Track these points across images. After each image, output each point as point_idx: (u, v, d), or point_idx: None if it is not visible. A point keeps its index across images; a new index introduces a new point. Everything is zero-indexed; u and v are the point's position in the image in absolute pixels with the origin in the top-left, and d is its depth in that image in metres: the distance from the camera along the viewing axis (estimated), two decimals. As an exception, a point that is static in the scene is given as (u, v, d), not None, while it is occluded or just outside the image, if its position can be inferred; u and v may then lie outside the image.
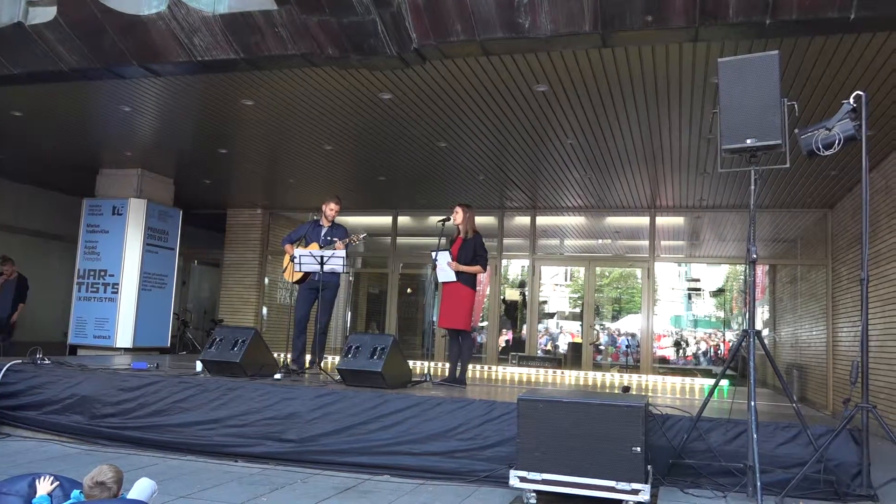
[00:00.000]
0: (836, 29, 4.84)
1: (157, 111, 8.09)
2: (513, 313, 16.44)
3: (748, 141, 4.42)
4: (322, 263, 6.73)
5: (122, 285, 11.09)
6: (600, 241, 14.29)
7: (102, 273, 11.22)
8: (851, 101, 4.41)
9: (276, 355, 7.16)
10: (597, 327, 16.26)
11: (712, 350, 18.89)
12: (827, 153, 4.44)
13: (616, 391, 7.45)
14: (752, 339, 4.50)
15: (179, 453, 5.65)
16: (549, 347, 17.82)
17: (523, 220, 12.90)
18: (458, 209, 6.75)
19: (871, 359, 8.43)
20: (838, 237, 10.69)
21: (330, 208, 7.31)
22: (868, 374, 4.42)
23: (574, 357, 14.07)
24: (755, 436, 4.23)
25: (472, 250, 6.63)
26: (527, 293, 13.17)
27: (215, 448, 5.62)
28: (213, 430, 5.70)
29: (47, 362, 6.83)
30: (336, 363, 6.41)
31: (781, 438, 4.76)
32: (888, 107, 6.63)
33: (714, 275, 21.73)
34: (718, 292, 21.44)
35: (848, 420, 4.47)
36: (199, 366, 6.64)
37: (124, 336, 11.03)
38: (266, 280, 13.98)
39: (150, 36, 6.01)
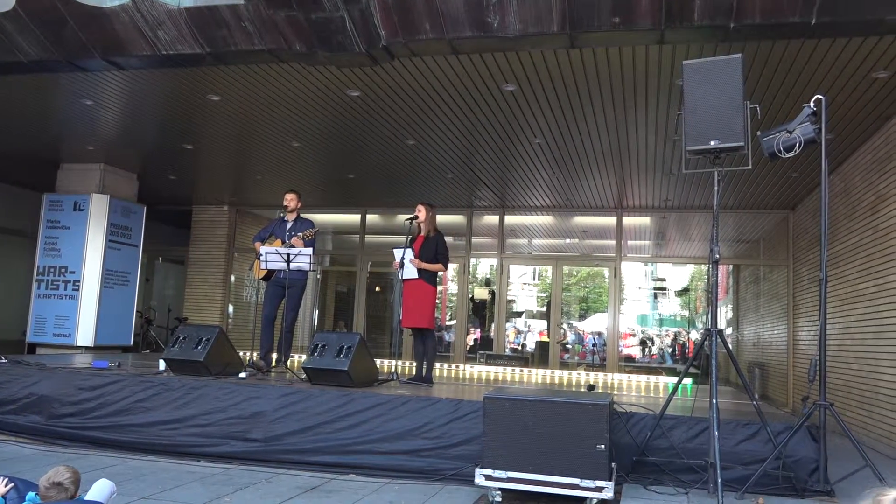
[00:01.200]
0: (798, 34, 4.94)
1: (121, 105, 7.94)
2: (481, 312, 16.47)
3: (712, 143, 4.48)
4: (288, 261, 6.68)
5: (84, 282, 10.87)
6: (568, 240, 14.41)
7: (63, 270, 10.99)
8: (812, 104, 4.51)
9: (241, 354, 7.08)
10: (564, 326, 16.37)
11: (677, 349, 19.15)
12: (788, 155, 4.53)
13: (582, 389, 7.51)
14: (714, 338, 4.57)
15: (141, 454, 5.56)
16: (517, 346, 17.91)
17: (492, 219, 12.94)
18: (422, 207, 6.76)
19: (830, 357, 8.63)
20: (799, 238, 10.92)
21: (286, 199, 7.25)
22: (826, 372, 4.52)
23: (541, 356, 14.16)
24: (716, 433, 4.30)
25: (433, 248, 6.66)
26: (495, 292, 13.22)
27: (178, 448, 5.54)
28: (175, 429, 5.62)
29: (4, 361, 6.68)
30: (302, 362, 6.36)
31: (742, 435, 4.84)
32: (847, 111, 6.79)
33: (679, 274, 22.04)
34: (683, 292, 21.74)
35: (806, 417, 4.57)
36: (161, 364, 6.55)
37: (85, 334, 10.82)
38: (232, 278, 13.82)
39: (113, 28, 5.90)
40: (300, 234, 7.03)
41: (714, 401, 4.36)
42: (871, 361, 7.41)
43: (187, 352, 6.28)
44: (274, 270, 7.02)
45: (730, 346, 4.74)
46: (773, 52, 5.65)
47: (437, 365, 10.28)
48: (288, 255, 6.67)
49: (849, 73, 5.94)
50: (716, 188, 4.60)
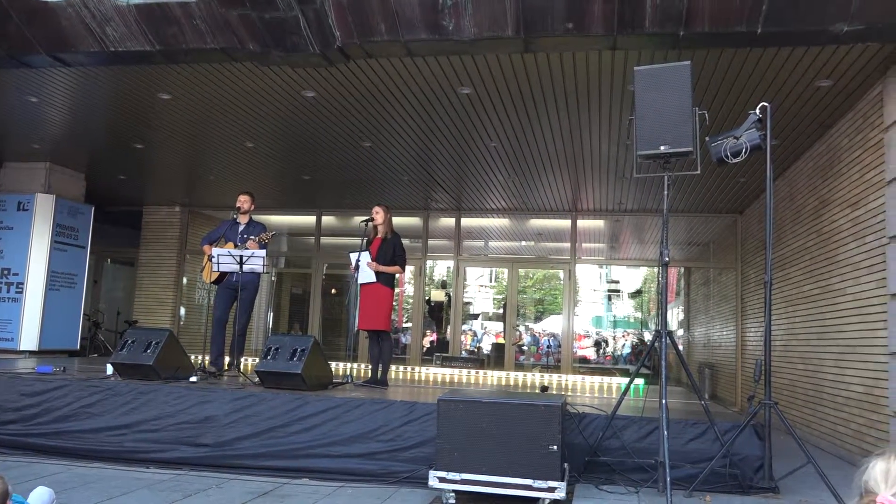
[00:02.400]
0: (745, 42, 5.07)
1: (68, 103, 7.73)
2: (437, 314, 16.50)
3: (662, 147, 4.57)
4: (241, 263, 6.59)
5: (28, 285, 10.55)
6: (524, 242, 14.52)
7: (6, 272, 10.64)
8: (758, 111, 4.63)
9: (192, 357, 6.96)
10: (520, 328, 16.50)
11: (631, 350, 19.46)
12: (735, 161, 4.65)
13: (536, 391, 7.57)
14: (664, 339, 4.65)
15: (87, 461, 5.42)
16: (473, 348, 17.97)
17: (448, 222, 12.97)
18: (379, 209, 6.75)
19: (775, 357, 8.86)
20: (747, 241, 11.20)
21: (239, 200, 7.16)
22: (771, 372, 4.65)
23: (497, 357, 14.23)
24: (666, 433, 4.37)
25: (391, 251, 6.64)
26: (451, 294, 13.25)
27: (126, 454, 5.42)
28: (123, 435, 5.50)
29: (-59, 366, 6.43)
30: (255, 365, 6.28)
31: (691, 435, 4.94)
32: (792, 118, 6.99)
33: (633, 277, 22.41)
34: (637, 294, 22.13)
35: (752, 417, 4.68)
36: (109, 369, 6.40)
37: (29, 338, 10.49)
38: (184, 280, 13.57)
39: (58, 24, 5.74)
40: (256, 237, 6.95)
41: (664, 401, 4.44)
42: (814, 361, 7.64)
43: (136, 355, 6.15)
44: (226, 273, 6.91)
45: (680, 348, 4.83)
46: (721, 59, 5.79)
47: (393, 367, 10.25)
48: (241, 256, 6.58)
49: (793, 81, 6.13)
50: (666, 192, 4.69)
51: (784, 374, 8.67)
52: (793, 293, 8.48)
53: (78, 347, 11.26)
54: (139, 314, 13.33)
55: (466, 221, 12.94)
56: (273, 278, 15.40)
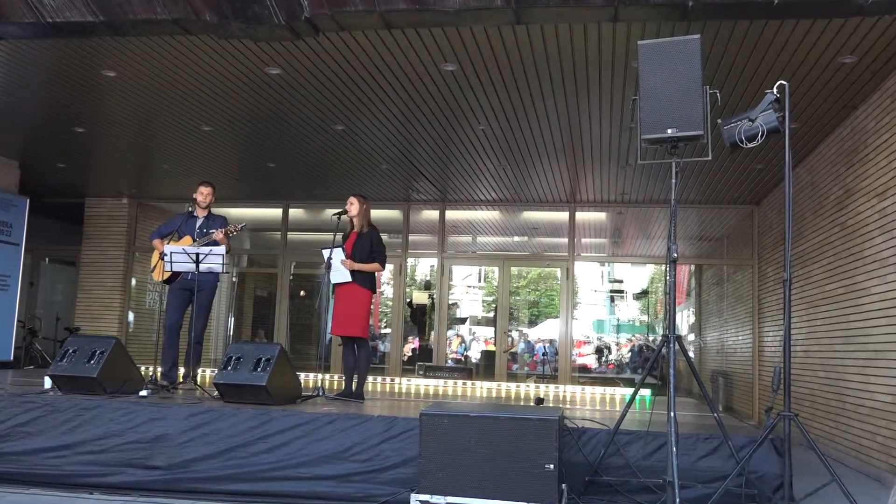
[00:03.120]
0: (760, 14, 5.11)
1: (-2, 80, 7.66)
2: (420, 318, 16.51)
3: (669, 131, 4.60)
4: (198, 261, 6.56)
5: (-46, 287, 10.43)
6: (516, 238, 14.55)
7: (-71, 273, 10.52)
8: (775, 91, 4.67)
9: (142, 369, 6.93)
10: (512, 333, 16.54)
11: (636, 357, 19.55)
12: (750, 145, 4.68)
13: (530, 403, 7.60)
14: (672, 345, 4.68)
15: (22, 486, 5.38)
16: (460, 356, 17.98)
17: (432, 215, 12.97)
18: (354, 200, 6.73)
19: (795, 365, 8.96)
20: (764, 235, 11.30)
21: (200, 193, 7.13)
22: (790, 380, 4.69)
23: (487, 366, 14.26)
24: (674, 449, 4.40)
25: (368, 246, 6.63)
26: (435, 296, 13.26)
27: (67, 479, 5.39)
28: (64, 457, 5.47)
29: None
30: (213, 377, 6.26)
31: (702, 451, 4.99)
32: (813, 98, 7.05)
33: (638, 275, 22.53)
34: (643, 294, 22.25)
35: (770, 430, 4.72)
36: (47, 382, 6.36)
37: (-44, 348, 10.38)
38: (133, 281, 13.49)
39: (-13, -9, 5.68)
40: (224, 228, 6.92)
41: (672, 413, 4.47)
42: (838, 368, 7.72)
43: (78, 367, 6.11)
44: (180, 272, 6.88)
45: (690, 354, 4.87)
46: (734, 33, 5.83)
47: (370, 378, 10.24)
48: (197, 254, 6.55)
49: (814, 57, 6.18)
50: (674, 180, 4.72)
51: (805, 382, 8.76)
52: (814, 293, 8.57)
53: (11, 358, 11.16)
54: (81, 320, 13.23)
55: (452, 214, 12.94)
56: (234, 279, 15.33)
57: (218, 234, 6.89)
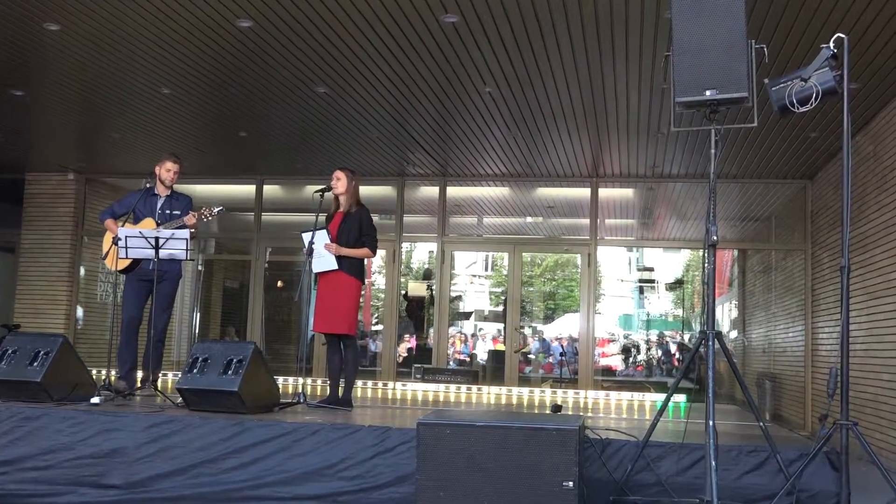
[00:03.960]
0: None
1: (-78, 36, 7.65)
2: (417, 313, 16.53)
3: (707, 93, 4.58)
4: (158, 247, 6.56)
5: None
6: (529, 219, 14.54)
7: None
8: (831, 45, 4.65)
9: (94, 372, 6.94)
10: (525, 331, 16.57)
11: (668, 357, 19.58)
12: (803, 109, 4.67)
13: (546, 411, 7.62)
14: (711, 343, 4.68)
15: (-44, 508, 5.42)
16: (464, 357, 18.02)
17: (430, 192, 12.97)
18: (340, 174, 6.73)
19: (854, 366, 8.96)
20: (819, 215, 11.28)
21: (166, 169, 7.11)
22: (849, 384, 4.70)
23: (495, 369, 14.30)
24: (714, 463, 4.41)
25: (356, 228, 6.63)
26: (435, 287, 13.27)
27: (6, 501, 5.40)
28: (3, 475, 5.48)
29: None
30: (177, 381, 6.28)
31: (747, 466, 5.00)
32: (877, 54, 7.03)
33: (672, 263, 22.51)
34: (677, 285, 22.24)
35: (824, 441, 4.73)
36: (-17, 388, 6.36)
37: None
38: (82, 270, 13.51)
39: None
40: (196, 211, 6.92)
41: (711, 423, 4.48)
42: (905, 370, 7.73)
43: (19, 370, 6.11)
44: (139, 260, 6.89)
45: (732, 354, 4.87)
46: (785, -23, 5.81)
47: (359, 383, 10.25)
48: (157, 238, 6.54)
49: (878, 4, 6.15)
50: (713, 151, 4.71)
51: (865, 386, 8.77)
52: (877, 282, 8.57)
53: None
54: (22, 316, 13.26)
55: (454, 191, 12.94)
56: (200, 267, 15.33)
57: (190, 219, 6.86)
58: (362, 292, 6.81)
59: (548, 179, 12.35)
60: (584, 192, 12.41)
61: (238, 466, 5.29)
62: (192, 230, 6.91)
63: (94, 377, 6.92)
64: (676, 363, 18.35)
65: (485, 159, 11.38)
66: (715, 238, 4.66)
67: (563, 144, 10.39)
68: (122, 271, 7.07)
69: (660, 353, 20.03)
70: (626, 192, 12.77)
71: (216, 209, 7.05)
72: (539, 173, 12.05)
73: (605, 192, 12.44)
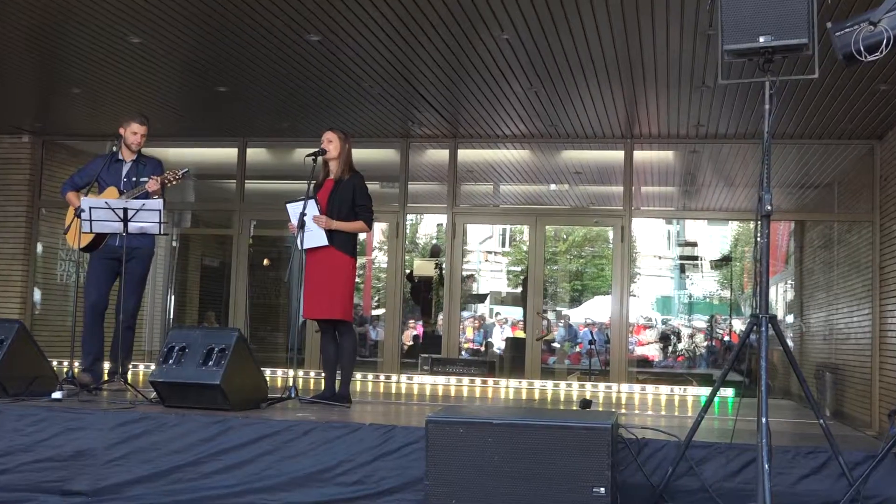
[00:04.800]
0: None
1: None
2: (424, 296, 16.56)
3: (761, 39, 4.55)
4: (126, 219, 6.58)
5: None
6: (553, 186, 14.51)
7: None
8: (906, -17, 4.61)
9: (54, 363, 6.97)
10: (548, 316, 16.60)
11: (714, 346, 19.59)
12: (871, 58, 4.64)
13: (573, 408, 7.65)
14: (764, 330, 4.68)
15: None
16: (478, 346, 18.08)
17: (439, 156, 12.96)
18: (332, 136, 6.72)
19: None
20: (890, 181, 11.23)
21: (132, 132, 7.11)
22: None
23: (515, 359, 14.32)
24: (767, 467, 4.42)
25: (349, 198, 6.64)
26: (444, 265, 13.28)
27: (-42, 509, 5.47)
28: (-46, 480, 5.54)
29: None
30: (150, 374, 6.31)
31: (804, 469, 5.00)
32: (959, -7, 6.97)
33: (718, 236, 22.51)
34: (723, 262, 22.22)
35: (894, 441, 4.74)
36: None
37: None
38: (39, 247, 13.56)
39: None
40: (159, 176, 6.92)
41: (764, 420, 4.48)
42: None
43: (-31, 362, 6.16)
44: (104, 236, 6.91)
45: (788, 341, 4.87)
46: None
47: (359, 375, 10.29)
48: (125, 210, 6.56)
49: (961, -64, 6.09)
50: (767, 106, 4.68)
51: (943, 379, 8.76)
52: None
53: None
54: (-28, 300, 13.33)
55: (466, 155, 12.91)
56: (174, 242, 15.37)
57: (152, 184, 6.86)
58: (359, 272, 6.81)
59: (575, 141, 12.31)
60: (616, 156, 12.38)
61: (220, 470, 5.30)
62: (160, 199, 6.90)
63: (55, 369, 6.96)
64: (723, 352, 18.36)
65: (502, 117, 11.35)
66: (768, 208, 4.65)
67: (593, 99, 10.35)
68: (86, 249, 7.08)
69: (704, 340, 20.06)
70: (666, 156, 12.73)
71: (181, 172, 7.05)
72: (564, 133, 12.01)
73: (640, 155, 12.41)
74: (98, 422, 5.55)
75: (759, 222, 4.70)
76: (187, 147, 13.22)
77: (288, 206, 6.70)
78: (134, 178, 7.06)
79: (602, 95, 10.16)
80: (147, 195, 6.84)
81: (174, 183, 7.01)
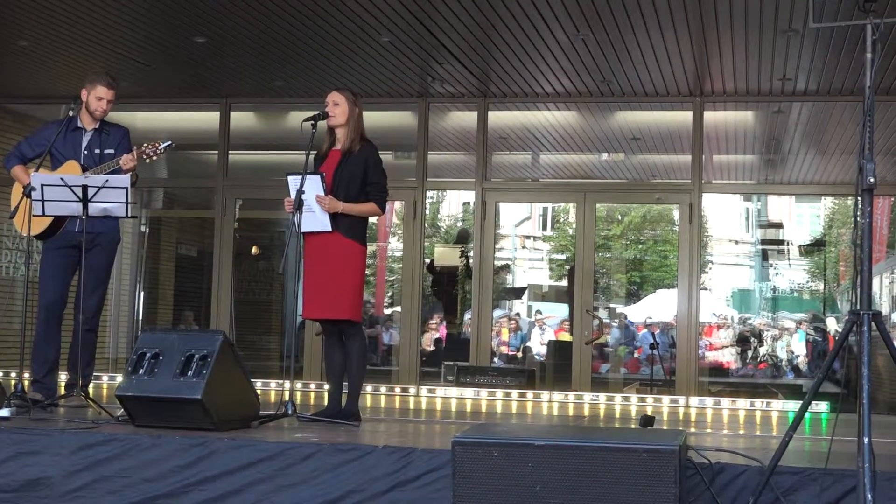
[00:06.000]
0: None
1: None
2: (448, 291, 16.59)
3: (862, -29, 4.54)
4: (86, 199, 6.61)
5: None
6: (605, 156, 14.50)
7: None
8: None
9: (1, 375, 7.03)
10: (600, 314, 16.58)
11: (805, 350, 19.53)
12: None
13: (632, 426, 7.65)
14: (866, 330, 4.67)
15: None
16: (513, 351, 18.09)
17: (465, 119, 12.98)
18: (339, 98, 6.71)
19: None
20: None
21: (97, 97, 7.13)
22: None
23: (559, 367, 14.34)
24: (870, 497, 4.43)
25: (360, 173, 6.65)
26: (472, 253, 13.30)
27: None
28: None
29: None
30: (117, 386, 6.36)
31: (915, 500, 5.01)
32: None
33: (808, 216, 22.40)
34: (815, 247, 22.13)
35: None
36: None
37: None
38: (-19, 234, 13.67)
39: None
40: (136, 149, 6.95)
41: (866, 441, 4.48)
42: None
43: None
44: (63, 219, 6.94)
45: (895, 343, 4.86)
46: None
47: (369, 388, 10.33)
48: (84, 188, 6.59)
49: None
50: (868, 56, 4.67)
51: None
52: None
53: None
54: None
55: (499, 118, 12.93)
56: (143, 227, 15.44)
57: (128, 160, 6.87)
58: (369, 261, 6.83)
59: (632, 100, 12.29)
60: (683, 118, 12.36)
61: (202, 503, 5.36)
62: (132, 175, 6.94)
63: (1, 382, 7.01)
64: (816, 358, 18.30)
65: (542, 71, 11.34)
66: (871, 180, 4.63)
67: (654, 48, 10.32)
68: (39, 236, 7.11)
69: (792, 343, 20.00)
70: (743, 117, 12.70)
71: (163, 144, 7.06)
72: (619, 91, 11.99)
73: (712, 117, 12.38)
74: (54, 445, 5.58)
75: (860, 198, 4.69)
76: (159, 111, 13.27)
77: (289, 178, 6.62)
78: (98, 150, 7.07)
79: (665, 43, 10.12)
80: (119, 170, 6.87)
81: (153, 158, 7.03)
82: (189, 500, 5.38)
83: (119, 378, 6.55)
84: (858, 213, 4.73)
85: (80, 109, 7.20)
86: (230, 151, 13.40)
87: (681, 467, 4.49)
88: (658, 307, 18.16)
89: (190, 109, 13.42)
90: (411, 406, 10.44)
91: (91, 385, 7.32)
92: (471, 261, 13.47)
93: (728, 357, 19.24)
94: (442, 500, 5.00)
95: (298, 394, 7.72)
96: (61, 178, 6.67)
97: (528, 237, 22.11)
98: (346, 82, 10.41)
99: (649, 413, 9.01)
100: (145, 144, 7.02)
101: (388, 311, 16.33)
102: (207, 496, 5.36)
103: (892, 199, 16.09)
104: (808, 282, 22.84)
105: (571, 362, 13.13)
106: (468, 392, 11.94)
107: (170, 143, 7.15)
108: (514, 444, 4.57)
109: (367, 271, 6.85)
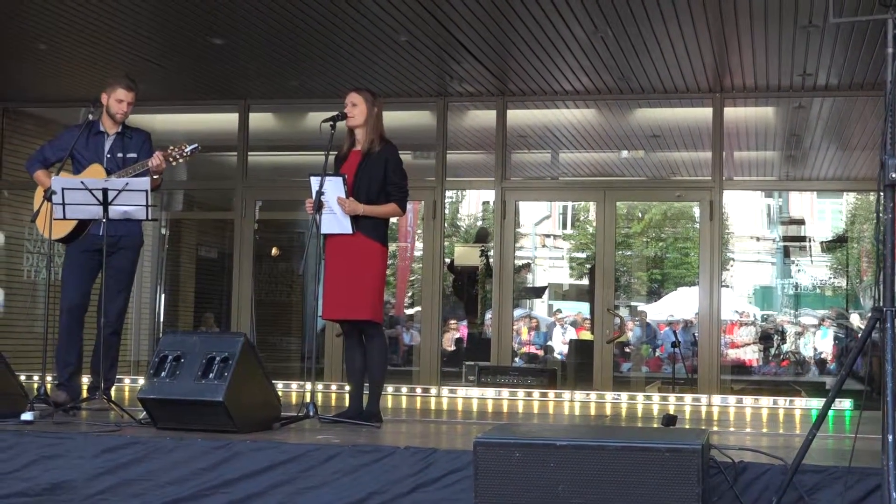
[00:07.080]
0: None
1: None
2: (468, 290, 16.58)
3: (883, -34, 4.52)
4: (106, 202, 6.62)
5: None
6: (625, 153, 14.46)
7: None
8: None
9: (23, 378, 7.04)
10: (621, 312, 16.56)
11: (829, 347, 19.46)
12: None
13: (654, 425, 7.64)
14: (889, 325, 4.65)
15: None
16: (536, 349, 18.08)
17: (484, 118, 12.98)
18: (357, 98, 6.70)
19: None
20: None
21: (117, 99, 7.14)
22: None
23: (580, 366, 14.31)
24: (894, 495, 4.40)
25: (380, 174, 6.65)
26: (493, 253, 13.29)
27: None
28: None
29: None
30: (139, 389, 6.37)
31: (941, 498, 4.98)
32: None
33: (830, 213, 22.31)
34: (837, 244, 22.04)
35: None
36: None
37: None
38: (1, 237, 13.70)
39: None
40: (164, 151, 6.96)
41: (890, 438, 4.46)
42: None
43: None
44: (87, 223, 6.96)
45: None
46: None
47: (390, 388, 10.33)
48: (104, 191, 6.60)
49: None
50: (890, 51, 4.65)
51: None
52: None
53: None
54: (-77, 302, 13.51)
55: (518, 116, 12.92)
56: (163, 229, 15.46)
57: (156, 160, 6.89)
58: (389, 262, 6.83)
59: (651, 97, 12.26)
60: (703, 114, 12.33)
61: (225, 505, 5.38)
62: (158, 178, 6.95)
63: (24, 385, 7.04)
64: (839, 356, 18.23)
65: (560, 69, 11.33)
66: (893, 175, 4.62)
67: (673, 44, 10.30)
68: (63, 240, 7.12)
69: (815, 340, 19.93)
70: (764, 113, 12.65)
71: (189, 147, 7.07)
72: (638, 88, 11.96)
73: (732, 113, 12.35)
74: (78, 448, 5.60)
75: (883, 193, 4.67)
76: (178, 113, 13.29)
77: (312, 179, 6.62)
78: (121, 154, 7.07)
79: (685, 39, 10.10)
80: (147, 173, 6.88)
81: (179, 161, 7.04)
82: (212, 502, 5.38)
83: (141, 381, 6.56)
84: (881, 209, 4.72)
85: (101, 113, 7.21)
86: (249, 153, 13.44)
87: (703, 466, 4.48)
88: (679, 305, 18.13)
89: (208, 111, 13.43)
90: (432, 406, 10.45)
91: (113, 388, 7.33)
92: (491, 260, 13.46)
93: (750, 355, 19.19)
94: (464, 501, 4.99)
95: (319, 395, 7.73)
96: (81, 182, 6.69)
97: (548, 236, 22.11)
98: (365, 82, 10.41)
99: (671, 412, 9.00)
100: (171, 147, 7.04)
101: (408, 312, 16.33)
102: (230, 498, 5.37)
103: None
104: (830, 278, 22.76)
105: (592, 361, 13.11)
106: (489, 392, 11.94)
107: (196, 146, 7.16)
108: (536, 444, 4.56)
109: (389, 272, 6.84)
